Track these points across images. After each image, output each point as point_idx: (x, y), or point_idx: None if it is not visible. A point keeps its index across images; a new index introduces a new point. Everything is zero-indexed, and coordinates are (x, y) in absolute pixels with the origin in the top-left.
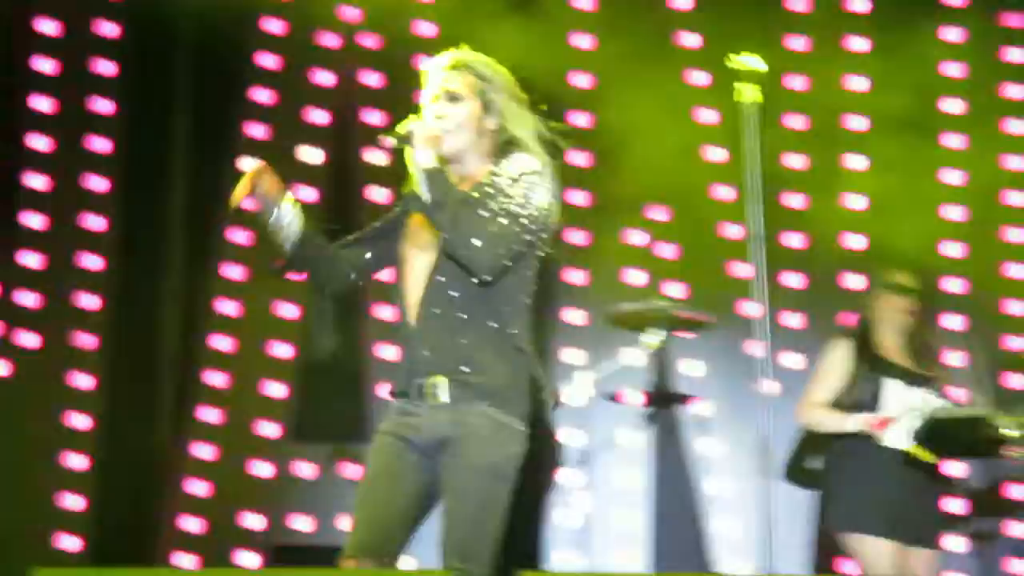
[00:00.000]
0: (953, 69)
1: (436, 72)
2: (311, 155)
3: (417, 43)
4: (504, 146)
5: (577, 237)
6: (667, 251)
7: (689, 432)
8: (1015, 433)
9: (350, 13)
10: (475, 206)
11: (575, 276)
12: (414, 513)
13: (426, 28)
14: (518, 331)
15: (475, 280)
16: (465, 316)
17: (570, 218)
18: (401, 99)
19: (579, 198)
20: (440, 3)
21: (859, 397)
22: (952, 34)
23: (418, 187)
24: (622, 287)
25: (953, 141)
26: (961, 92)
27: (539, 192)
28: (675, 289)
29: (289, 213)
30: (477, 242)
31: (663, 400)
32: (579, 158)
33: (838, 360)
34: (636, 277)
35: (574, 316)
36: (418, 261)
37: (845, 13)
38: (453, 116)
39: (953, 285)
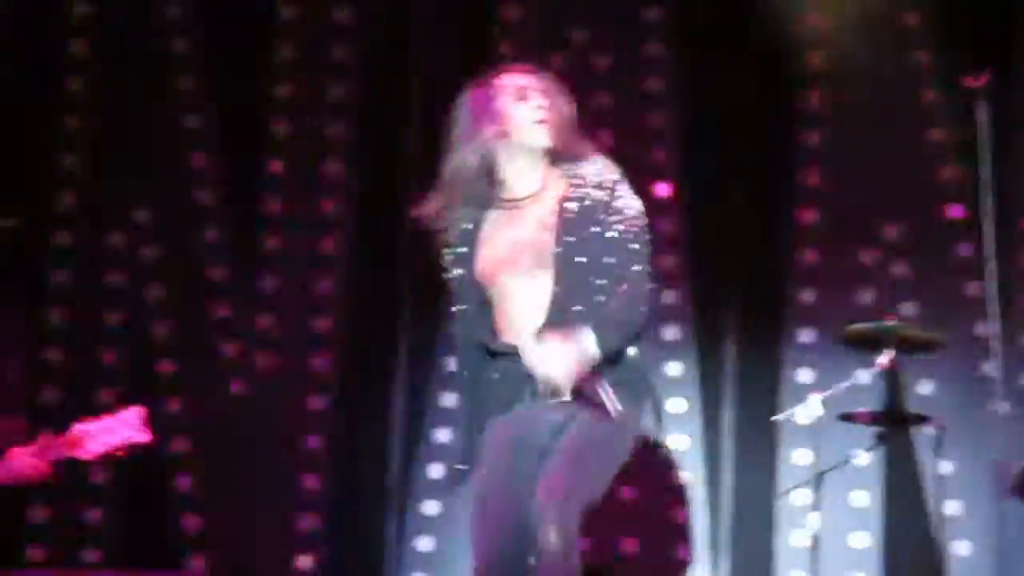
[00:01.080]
0: None
1: (521, 74)
2: None
3: None
4: (568, 153)
5: (809, 256)
6: (900, 270)
7: (922, 453)
8: None
9: None
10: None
11: (806, 295)
12: None
13: None
14: None
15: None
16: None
17: (802, 236)
18: None
19: (811, 216)
20: None
21: None
22: None
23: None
24: (854, 306)
25: None
26: None
27: (633, 196)
28: (908, 308)
29: None
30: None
31: (895, 420)
32: (811, 175)
33: None
34: (868, 296)
35: (806, 335)
36: (518, 286)
37: None
38: (553, 112)
39: None
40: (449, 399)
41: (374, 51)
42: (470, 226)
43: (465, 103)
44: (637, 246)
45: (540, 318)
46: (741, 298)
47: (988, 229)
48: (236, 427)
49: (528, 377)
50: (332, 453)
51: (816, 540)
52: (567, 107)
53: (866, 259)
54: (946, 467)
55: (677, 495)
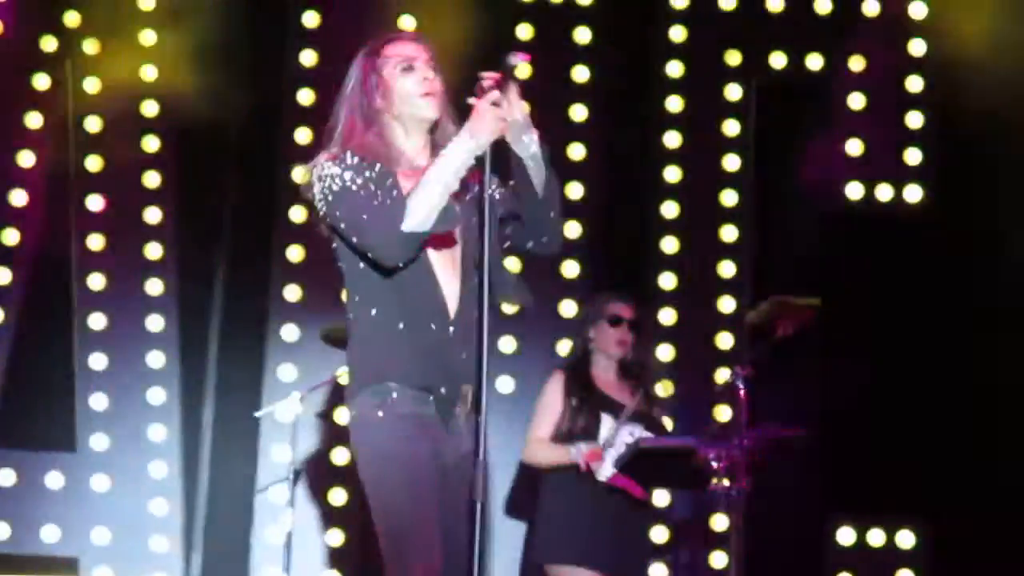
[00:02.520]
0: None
1: (409, 43)
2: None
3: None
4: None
5: (294, 253)
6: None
7: None
8: (718, 463)
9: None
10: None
11: (290, 292)
12: None
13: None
14: None
15: (545, 253)
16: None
17: (290, 234)
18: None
19: (299, 214)
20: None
21: (574, 431)
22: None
23: (518, 139)
24: (338, 304)
25: None
26: None
27: None
28: None
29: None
30: (557, 212)
31: None
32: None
33: (555, 394)
34: None
35: (288, 332)
36: (444, 257)
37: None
38: (439, 83)
39: (666, 315)
40: None
41: None
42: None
43: (353, 70)
44: None
45: (455, 283)
46: (225, 291)
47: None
48: None
49: (448, 352)
50: None
51: (290, 536)
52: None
53: None
54: None
55: (154, 486)
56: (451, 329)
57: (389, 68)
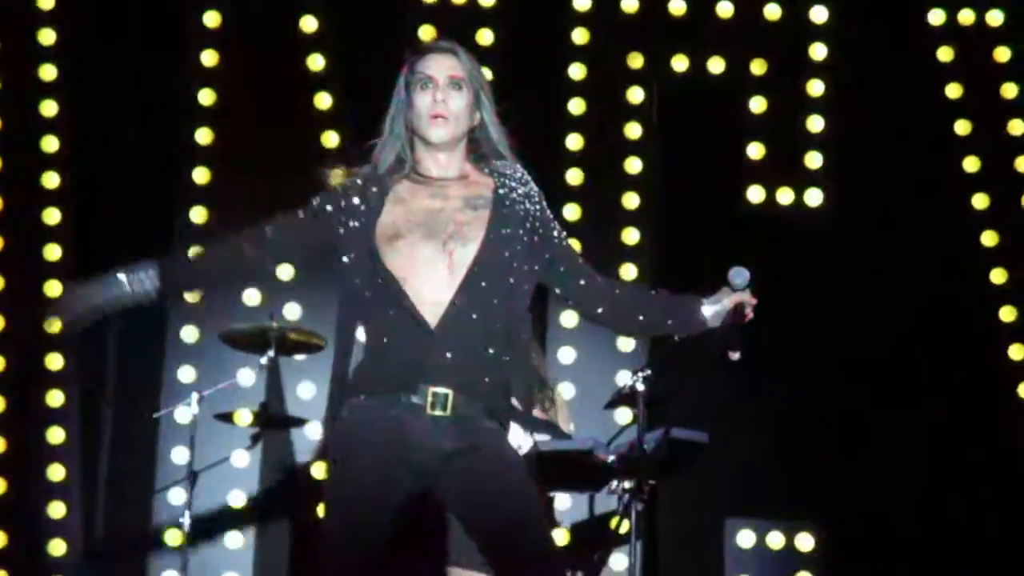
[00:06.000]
0: None
1: (435, 57)
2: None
3: None
4: (485, 149)
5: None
6: (285, 272)
7: (299, 454)
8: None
9: None
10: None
11: (189, 294)
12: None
13: None
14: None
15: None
16: (499, 326)
17: (189, 236)
18: None
19: (197, 215)
20: None
21: None
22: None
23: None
24: (238, 306)
25: None
26: None
27: None
28: (291, 310)
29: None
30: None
31: (274, 421)
32: (199, 175)
33: None
34: (252, 297)
35: (188, 333)
36: (432, 253)
37: None
38: (456, 102)
39: (567, 318)
40: None
41: None
42: (375, 189)
43: (398, 81)
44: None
45: (446, 290)
46: None
47: None
48: None
49: (427, 357)
50: None
51: (190, 538)
52: (483, 92)
53: None
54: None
55: (51, 488)
56: (431, 337)
57: (414, 84)
